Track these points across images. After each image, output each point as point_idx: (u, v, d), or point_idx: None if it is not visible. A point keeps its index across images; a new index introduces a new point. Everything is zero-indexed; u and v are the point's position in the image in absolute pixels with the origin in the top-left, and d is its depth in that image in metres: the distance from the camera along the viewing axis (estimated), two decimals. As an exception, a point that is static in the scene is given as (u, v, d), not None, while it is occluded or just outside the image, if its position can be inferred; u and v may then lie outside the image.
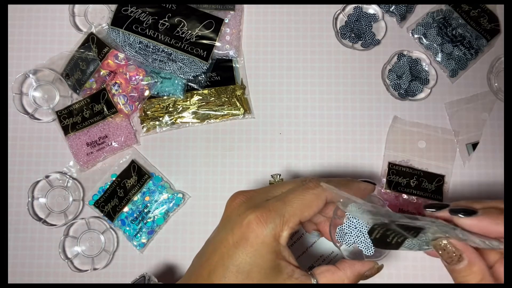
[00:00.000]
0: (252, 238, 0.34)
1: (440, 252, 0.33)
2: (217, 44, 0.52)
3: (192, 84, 0.52)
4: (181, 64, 0.52)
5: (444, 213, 0.35)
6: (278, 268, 0.35)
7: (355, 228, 0.38)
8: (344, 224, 0.38)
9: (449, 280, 0.52)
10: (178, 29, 0.51)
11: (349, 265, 0.37)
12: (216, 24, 0.52)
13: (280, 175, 0.47)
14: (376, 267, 0.38)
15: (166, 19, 0.51)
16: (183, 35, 0.51)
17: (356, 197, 0.37)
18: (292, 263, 0.36)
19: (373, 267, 0.38)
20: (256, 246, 0.34)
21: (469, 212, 0.34)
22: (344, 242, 0.39)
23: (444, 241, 0.32)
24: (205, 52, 0.52)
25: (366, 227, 0.38)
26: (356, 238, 0.38)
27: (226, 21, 0.53)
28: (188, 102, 0.53)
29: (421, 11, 0.55)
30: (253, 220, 0.34)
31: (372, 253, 0.38)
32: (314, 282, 0.35)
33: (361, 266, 0.37)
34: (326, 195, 0.36)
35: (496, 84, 0.53)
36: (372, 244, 0.38)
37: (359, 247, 0.38)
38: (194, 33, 0.51)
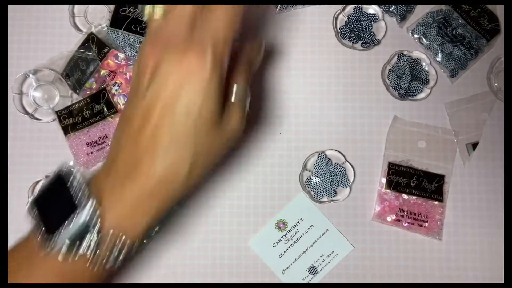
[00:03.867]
0: (198, 73, 0.31)
1: None
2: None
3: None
4: (181, 64, 0.52)
5: None
6: (224, 97, 0.33)
7: (320, 178, 0.51)
8: (312, 175, 0.52)
9: (449, 280, 0.52)
10: (178, 29, 0.51)
11: (242, 54, 0.37)
12: None
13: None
14: (258, 46, 0.39)
15: (166, 19, 0.51)
16: (183, 35, 0.51)
17: None
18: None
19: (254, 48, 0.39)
20: (207, 81, 0.31)
21: None
22: (311, 189, 0.51)
23: None
24: (205, 52, 0.51)
25: (329, 176, 0.51)
26: (321, 186, 0.51)
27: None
28: (188, 102, 0.53)
29: (421, 11, 0.55)
30: (194, 57, 0.31)
31: (334, 197, 0.51)
32: (236, 88, 0.34)
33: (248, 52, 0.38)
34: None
35: (496, 84, 0.53)
36: (334, 191, 0.51)
37: (324, 194, 0.51)
38: (194, 33, 0.51)
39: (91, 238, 0.30)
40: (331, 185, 0.51)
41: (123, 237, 0.31)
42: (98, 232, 0.30)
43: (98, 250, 0.30)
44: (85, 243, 0.30)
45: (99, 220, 0.30)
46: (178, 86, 0.30)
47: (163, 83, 0.30)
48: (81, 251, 0.30)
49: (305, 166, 0.52)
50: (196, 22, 0.31)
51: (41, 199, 0.32)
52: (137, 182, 0.30)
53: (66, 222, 0.29)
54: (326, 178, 0.51)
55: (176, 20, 0.31)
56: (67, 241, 0.29)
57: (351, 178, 0.52)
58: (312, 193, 0.51)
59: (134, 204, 0.30)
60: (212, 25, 0.31)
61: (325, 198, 0.52)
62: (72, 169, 0.31)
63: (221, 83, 0.31)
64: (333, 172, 0.51)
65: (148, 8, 0.33)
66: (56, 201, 0.31)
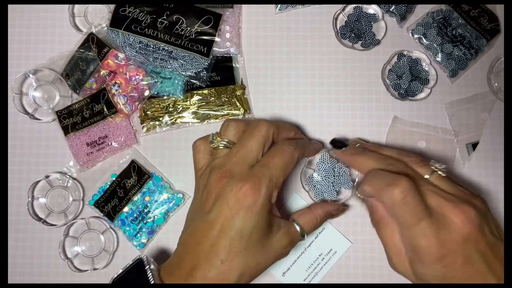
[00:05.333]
0: (251, 205, 0.38)
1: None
2: (217, 39, 0.52)
3: (194, 81, 0.52)
4: (182, 62, 0.52)
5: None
6: (270, 223, 0.40)
7: (323, 177, 0.49)
8: (314, 173, 0.50)
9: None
10: (177, 26, 0.51)
11: (320, 206, 0.46)
12: (215, 20, 0.52)
13: (215, 134, 0.44)
14: (342, 208, 0.48)
15: (165, 17, 0.51)
16: (183, 32, 0.51)
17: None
18: (277, 215, 0.42)
19: (339, 208, 0.48)
20: (256, 210, 0.38)
21: (339, 146, 0.48)
22: (312, 189, 0.50)
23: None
24: (206, 48, 0.51)
25: (332, 176, 0.49)
26: (322, 186, 0.49)
27: (225, 17, 0.53)
28: (188, 102, 0.53)
29: (421, 11, 0.55)
30: (249, 189, 0.38)
31: (335, 198, 0.50)
32: (297, 226, 0.43)
33: (329, 206, 0.47)
34: (298, 154, 0.42)
35: (496, 84, 0.53)
36: (335, 191, 0.49)
37: (324, 194, 0.49)
38: (194, 30, 0.51)
39: None
40: (333, 185, 0.50)
41: None
42: None
43: None
44: None
45: None
46: (234, 213, 0.37)
47: (223, 209, 0.38)
48: None
49: (309, 163, 0.51)
50: (256, 161, 0.41)
51: (123, 276, 0.40)
52: (197, 279, 0.38)
53: None
54: (329, 178, 0.50)
55: (242, 157, 0.40)
56: None
57: (355, 179, 0.50)
58: (314, 192, 0.50)
59: None
60: (270, 168, 0.40)
61: (326, 199, 0.51)
62: (145, 258, 0.39)
63: (269, 213, 0.40)
64: (337, 172, 0.49)
65: (214, 139, 0.43)
66: (135, 278, 0.39)
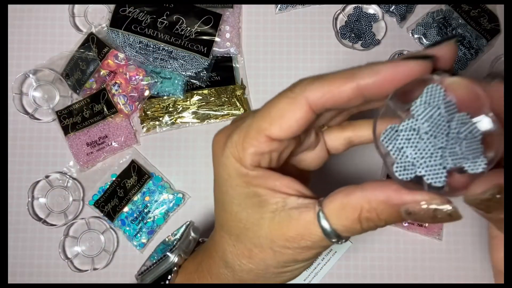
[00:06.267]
0: (215, 164, 0.27)
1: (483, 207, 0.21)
2: (217, 39, 0.52)
3: (194, 81, 0.52)
4: (182, 62, 0.52)
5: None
6: (257, 196, 0.26)
7: (425, 132, 0.21)
8: (405, 123, 0.21)
9: (449, 280, 0.52)
10: (177, 26, 0.51)
11: (377, 186, 0.23)
12: (215, 20, 0.52)
13: None
14: (438, 201, 0.22)
15: (165, 17, 0.51)
16: (183, 32, 0.51)
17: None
18: (282, 191, 0.26)
19: (430, 198, 0.21)
20: (217, 172, 0.27)
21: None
22: (395, 153, 0.22)
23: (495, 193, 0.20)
24: (206, 48, 0.51)
25: (444, 136, 0.21)
26: (419, 150, 0.21)
27: (225, 17, 0.53)
28: (188, 102, 0.53)
29: (421, 11, 0.55)
30: (216, 141, 0.27)
31: (441, 183, 0.21)
32: (320, 214, 0.24)
33: (407, 194, 0.22)
34: (307, 98, 0.24)
35: (496, 84, 0.53)
36: (443, 168, 0.21)
37: (419, 169, 0.21)
38: (194, 30, 0.51)
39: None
40: (441, 155, 0.21)
41: None
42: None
43: None
44: None
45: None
46: (214, 168, 0.28)
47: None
48: None
49: (400, 97, 0.23)
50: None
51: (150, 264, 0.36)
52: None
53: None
54: (437, 138, 0.21)
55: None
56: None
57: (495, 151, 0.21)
58: (397, 161, 0.22)
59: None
60: (254, 115, 0.26)
61: (418, 179, 0.21)
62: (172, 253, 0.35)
63: (240, 177, 0.26)
64: (456, 130, 0.21)
65: None
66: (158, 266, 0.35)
